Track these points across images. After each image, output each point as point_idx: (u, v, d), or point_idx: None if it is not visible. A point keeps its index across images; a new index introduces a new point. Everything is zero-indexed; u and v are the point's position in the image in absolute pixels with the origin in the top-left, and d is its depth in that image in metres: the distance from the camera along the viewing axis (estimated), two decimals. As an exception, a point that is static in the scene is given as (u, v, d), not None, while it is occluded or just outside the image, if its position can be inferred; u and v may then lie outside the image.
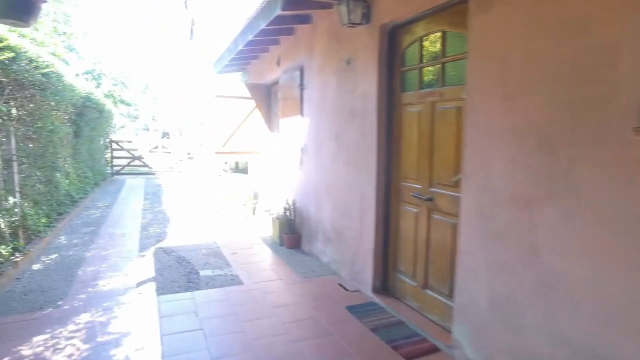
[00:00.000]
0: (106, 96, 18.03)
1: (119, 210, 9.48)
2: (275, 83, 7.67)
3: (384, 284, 4.50)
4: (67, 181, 8.70)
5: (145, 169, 17.51)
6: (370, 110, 4.42)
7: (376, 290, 4.48)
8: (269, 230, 7.17)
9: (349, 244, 4.95)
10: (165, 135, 55.62)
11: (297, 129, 6.46)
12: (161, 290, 4.65)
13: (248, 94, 7.89)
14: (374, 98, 4.33)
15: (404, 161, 4.18)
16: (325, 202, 5.56)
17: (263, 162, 8.36)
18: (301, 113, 6.23)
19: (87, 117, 10.90)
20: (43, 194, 6.93)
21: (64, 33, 18.36)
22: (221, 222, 8.31)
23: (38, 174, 6.76)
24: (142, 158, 17.46)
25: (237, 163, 19.17)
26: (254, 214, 8.90)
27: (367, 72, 4.47)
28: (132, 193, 12.30)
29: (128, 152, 17.38)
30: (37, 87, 6.11)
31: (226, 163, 18.98)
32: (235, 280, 5.00)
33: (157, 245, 6.50)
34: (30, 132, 6.34)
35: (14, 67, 5.34)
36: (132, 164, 17.18)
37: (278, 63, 7.17)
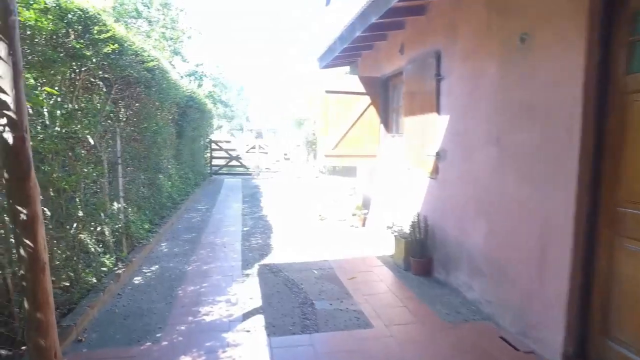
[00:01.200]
0: (207, 97, 18.32)
1: (219, 214, 9.03)
2: (396, 75, 6.54)
3: (582, 352, 3.13)
4: (170, 183, 8.41)
5: (242, 170, 17.45)
6: (564, 104, 3.09)
7: (568, 357, 3.13)
8: (388, 247, 6.06)
9: (517, 284, 3.64)
10: (259, 135, 57.60)
11: (428, 129, 5.25)
12: (272, 329, 3.77)
13: (361, 89, 6.84)
14: (575, 86, 2.99)
15: (630, 177, 2.79)
16: (475, 223, 4.29)
17: (378, 167, 7.26)
18: (436, 110, 5.01)
19: (190, 117, 10.72)
20: (146, 198, 6.55)
21: (171, 38, 19.05)
22: (327, 232, 7.40)
23: (142, 177, 6.38)
24: (240, 158, 17.41)
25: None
26: (363, 225, 7.85)
27: (559, 50, 3.14)
28: (230, 195, 12.00)
29: (226, 152, 17.44)
30: (142, 85, 5.64)
31: (325, 166, 18.32)
32: (361, 320, 3.95)
33: (262, 262, 5.72)
34: (135, 133, 5.92)
35: (120, 61, 4.84)
36: (229, 164, 17.21)
37: (401, 51, 6.02)
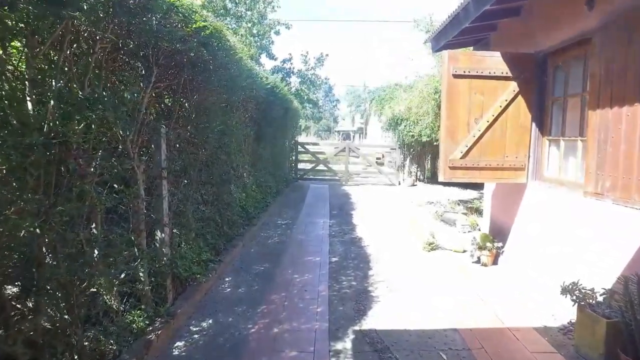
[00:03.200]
0: (294, 95, 17.02)
1: (301, 233, 7.35)
2: (567, 48, 4.27)
3: None
4: (244, 195, 6.92)
5: (329, 175, 15.83)
6: None
7: None
8: (545, 309, 3.86)
9: None
10: (347, 137, 56.30)
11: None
12: None
13: (501, 71, 4.64)
14: None
15: None
16: None
17: (528, 185, 4.99)
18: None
19: (272, 115, 9.24)
20: (208, 219, 5.03)
21: (257, 34, 18.08)
22: (444, 270, 5.31)
23: (202, 192, 4.87)
24: (328, 162, 15.80)
25: (433, 170, 16.03)
26: (495, 262, 5.63)
27: None
28: (316, 206, 10.33)
29: (313, 155, 15.95)
30: (198, 67, 4.08)
31: (418, 171, 16.04)
32: None
33: (358, 326, 3.85)
34: (191, 135, 4.40)
35: (159, 27, 3.30)
36: (316, 168, 15.69)
37: (590, 4, 3.75)
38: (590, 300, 3.43)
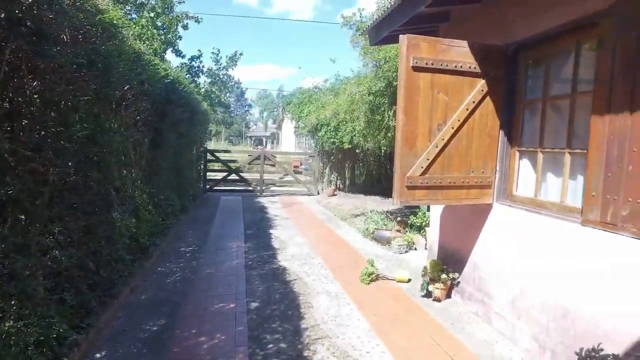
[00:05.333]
0: (203, 96, 15.21)
1: (209, 264, 5.84)
2: (554, 38, 3.43)
3: None
4: (134, 220, 5.25)
5: (243, 185, 14.30)
6: None
7: None
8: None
9: None
10: (259, 142, 54.61)
11: None
12: None
13: (468, 65, 3.70)
14: None
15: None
16: None
17: (496, 207, 4.09)
18: None
19: (174, 118, 7.58)
20: (70, 269, 3.38)
21: (163, 27, 15.91)
22: (392, 312, 4.24)
23: (58, 229, 3.22)
24: (241, 171, 14.25)
25: (353, 178, 15.28)
26: (448, 296, 4.73)
27: None
28: (227, 224, 8.80)
29: (225, 164, 14.30)
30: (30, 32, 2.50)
31: (337, 180, 15.18)
32: None
33: None
34: (29, 144, 2.78)
35: None
36: (228, 178, 14.06)
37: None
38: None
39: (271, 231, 8.26)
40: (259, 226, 8.72)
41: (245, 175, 14.57)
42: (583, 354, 2.62)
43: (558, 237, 3.25)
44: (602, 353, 2.60)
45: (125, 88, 4.65)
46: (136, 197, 5.54)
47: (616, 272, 2.75)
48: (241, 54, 18.69)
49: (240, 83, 20.99)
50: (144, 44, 13.37)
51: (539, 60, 3.71)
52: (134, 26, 13.36)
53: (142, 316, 4.02)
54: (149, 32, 14.84)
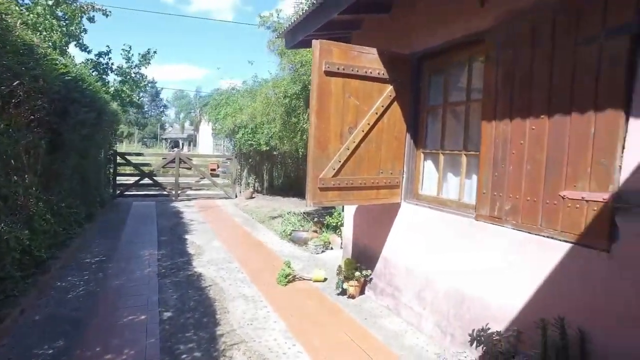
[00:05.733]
0: (112, 95, 14.18)
1: (118, 275, 5.48)
2: (450, 50, 3.75)
3: None
4: (27, 231, 4.75)
5: (157, 190, 13.61)
6: None
7: None
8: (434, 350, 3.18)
9: None
10: (175, 145, 52.22)
11: (583, 146, 2.50)
12: None
13: (378, 71, 3.91)
14: None
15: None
16: None
17: (403, 207, 4.35)
18: (621, 106, 2.30)
19: (77, 119, 6.99)
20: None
21: (65, 17, 14.54)
22: (308, 312, 4.32)
23: None
24: (155, 175, 13.54)
25: (272, 180, 15.26)
26: (362, 292, 4.93)
27: None
28: (139, 231, 8.32)
29: (137, 167, 13.49)
30: None
31: (255, 183, 15.07)
32: None
33: None
34: None
35: None
36: (140, 182, 13.28)
37: (482, 1, 3.23)
38: (500, 348, 2.83)
39: (187, 236, 7.96)
40: (173, 232, 8.36)
41: (160, 179, 13.87)
42: (474, 334, 2.90)
43: (457, 231, 3.56)
44: (489, 331, 2.90)
45: (15, 84, 4.20)
46: (30, 205, 5.02)
47: (501, 260, 3.08)
48: (155, 52, 17.74)
49: (155, 82, 19.87)
50: (40, 34, 12.11)
51: (439, 70, 4.04)
52: (26, 13, 12.09)
53: (35, 340, 3.64)
54: (46, 21, 13.50)
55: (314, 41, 3.62)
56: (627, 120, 2.28)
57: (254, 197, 13.69)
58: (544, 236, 2.76)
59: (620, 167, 2.31)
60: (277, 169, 15.45)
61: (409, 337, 3.89)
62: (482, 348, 2.93)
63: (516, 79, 2.90)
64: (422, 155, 4.20)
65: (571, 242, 2.59)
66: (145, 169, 13.61)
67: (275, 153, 12.96)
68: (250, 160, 14.61)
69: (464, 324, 3.42)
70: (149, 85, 19.67)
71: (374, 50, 3.87)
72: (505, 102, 2.99)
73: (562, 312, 2.55)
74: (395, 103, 4.02)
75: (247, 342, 3.71)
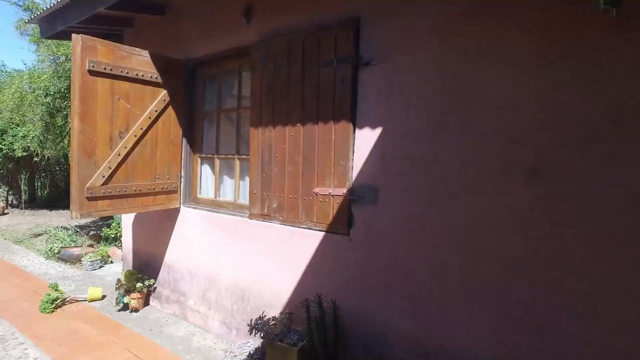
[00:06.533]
0: None
1: None
2: (222, 59, 3.96)
3: None
4: None
5: None
6: None
7: None
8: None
9: None
10: None
11: (327, 150, 3.05)
12: None
13: (150, 74, 3.84)
14: None
15: None
16: (472, 313, 2.41)
17: (183, 211, 4.34)
18: (351, 117, 2.90)
19: None
20: None
21: None
22: (86, 341, 3.91)
23: None
24: None
25: (34, 192, 12.80)
26: (147, 303, 4.72)
27: None
28: None
29: None
30: None
31: (9, 195, 12.39)
32: None
33: None
34: None
35: None
36: None
37: (247, 17, 3.54)
38: (275, 331, 3.19)
39: None
40: None
41: None
42: (252, 323, 3.19)
43: (234, 230, 3.81)
44: (265, 318, 3.24)
45: None
46: None
47: (272, 253, 3.47)
48: None
49: None
50: None
51: (213, 77, 4.22)
52: None
53: None
54: None
55: (74, 35, 3.31)
56: (354, 130, 2.91)
57: (6, 214, 11.27)
58: (304, 228, 3.25)
59: (352, 167, 2.93)
60: (40, 178, 13.07)
61: (197, 340, 3.95)
62: (260, 334, 3.23)
63: (277, 91, 3.32)
64: (199, 160, 4.31)
65: (324, 231, 3.13)
66: None
67: (36, 160, 10.95)
68: (0, 169, 11.94)
69: (246, 316, 3.68)
70: None
71: (146, 53, 3.78)
72: (268, 111, 3.38)
73: (322, 290, 3.06)
74: (170, 107, 4.01)
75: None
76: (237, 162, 3.95)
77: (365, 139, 2.85)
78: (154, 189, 3.97)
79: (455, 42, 2.45)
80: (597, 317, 2.02)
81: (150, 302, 4.79)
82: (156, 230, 4.69)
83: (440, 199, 2.52)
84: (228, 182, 4.18)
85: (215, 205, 4.10)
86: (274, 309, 3.45)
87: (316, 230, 3.18)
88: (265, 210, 3.48)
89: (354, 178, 2.94)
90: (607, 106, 1.98)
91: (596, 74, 2.00)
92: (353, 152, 2.93)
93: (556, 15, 2.11)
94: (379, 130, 2.77)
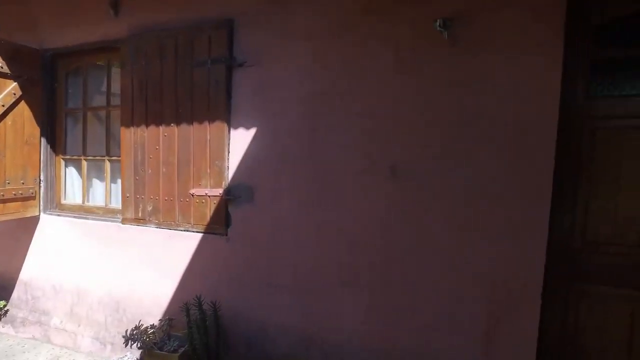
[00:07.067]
0: None
1: None
2: (88, 52, 3.62)
3: None
4: None
5: None
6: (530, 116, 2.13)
7: None
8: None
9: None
10: None
11: (202, 149, 3.01)
12: None
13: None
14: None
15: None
16: (339, 301, 2.61)
17: (43, 218, 3.86)
18: (225, 117, 2.90)
19: None
20: None
21: None
22: None
23: None
24: None
25: None
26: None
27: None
28: None
29: None
30: None
31: None
32: None
33: None
34: None
35: None
36: None
37: (115, 10, 3.30)
38: (155, 339, 3.05)
39: None
40: None
41: None
42: (128, 334, 3.00)
43: (106, 237, 3.53)
44: (142, 327, 3.07)
45: None
46: None
47: (148, 259, 3.31)
48: None
49: None
50: None
51: (78, 71, 3.84)
52: None
53: None
54: None
55: None
56: (229, 130, 2.92)
57: None
58: (182, 230, 3.16)
59: (228, 167, 2.94)
60: None
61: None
62: (137, 345, 3.06)
63: (149, 89, 3.18)
64: (62, 162, 3.90)
65: (203, 232, 3.08)
66: None
67: None
68: None
69: (122, 328, 3.43)
70: None
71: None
72: (141, 110, 3.21)
73: (203, 292, 3.00)
74: (23, 103, 3.56)
75: None
76: (108, 164, 3.67)
77: (240, 139, 2.89)
78: (4, 195, 3.47)
79: (325, 50, 2.62)
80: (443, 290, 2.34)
81: (1, 328, 4.18)
82: (9, 244, 4.10)
83: (313, 195, 2.67)
84: (98, 186, 3.85)
85: (83, 211, 3.75)
86: (153, 317, 3.29)
87: (194, 231, 3.11)
88: (140, 214, 3.30)
89: (230, 178, 2.95)
90: (459, 112, 2.32)
91: (443, 83, 2.32)
92: (228, 152, 2.94)
93: (409, 32, 2.39)
94: (253, 131, 2.83)
